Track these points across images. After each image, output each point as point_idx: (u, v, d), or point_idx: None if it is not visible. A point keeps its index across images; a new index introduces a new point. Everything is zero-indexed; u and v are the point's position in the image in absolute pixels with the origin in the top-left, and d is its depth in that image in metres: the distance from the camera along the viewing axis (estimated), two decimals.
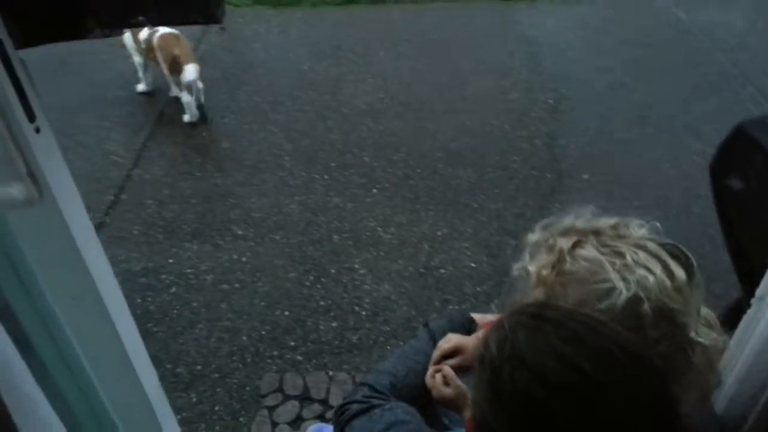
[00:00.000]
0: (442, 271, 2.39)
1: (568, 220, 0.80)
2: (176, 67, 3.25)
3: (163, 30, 3.30)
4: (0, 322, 0.72)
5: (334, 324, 2.10)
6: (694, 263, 0.73)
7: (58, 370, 1.00)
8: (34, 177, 0.73)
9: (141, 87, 3.64)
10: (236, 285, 2.27)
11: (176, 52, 3.26)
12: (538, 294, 0.75)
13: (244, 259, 2.45)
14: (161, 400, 1.04)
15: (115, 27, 0.74)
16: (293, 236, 2.64)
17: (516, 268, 0.82)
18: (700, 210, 2.59)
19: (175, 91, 3.43)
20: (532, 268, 0.77)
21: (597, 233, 0.75)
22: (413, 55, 4.01)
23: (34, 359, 0.96)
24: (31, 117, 0.71)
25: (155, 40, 3.29)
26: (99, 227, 2.72)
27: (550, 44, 4.09)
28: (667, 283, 0.69)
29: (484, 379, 0.60)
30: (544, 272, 0.74)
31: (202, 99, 3.39)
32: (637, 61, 3.84)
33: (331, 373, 1.93)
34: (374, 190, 2.92)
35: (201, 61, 3.51)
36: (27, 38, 0.70)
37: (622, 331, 0.59)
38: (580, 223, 0.79)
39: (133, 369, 0.96)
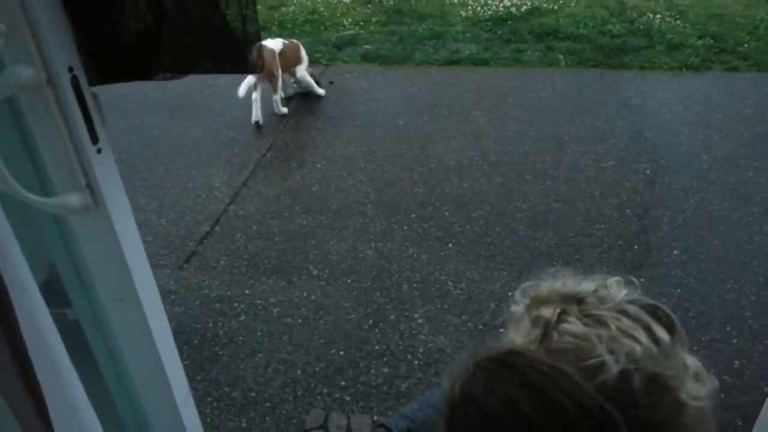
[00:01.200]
0: (503, 330, 2.32)
1: (548, 286, 0.80)
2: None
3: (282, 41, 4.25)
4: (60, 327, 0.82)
5: (386, 369, 2.11)
6: (675, 319, 0.70)
7: (108, 372, 1.10)
8: (91, 189, 0.84)
9: (255, 116, 4.11)
10: (299, 320, 2.36)
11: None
12: None
13: (312, 297, 2.54)
14: (189, 407, 1.11)
15: (179, 74, 0.86)
16: (364, 281, 2.71)
17: (504, 341, 0.82)
18: None
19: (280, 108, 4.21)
20: (518, 341, 0.77)
21: (580, 301, 0.74)
22: (510, 117, 4.04)
23: (89, 362, 1.08)
24: (94, 140, 0.83)
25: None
26: (192, 255, 2.96)
27: (654, 114, 3.95)
28: (654, 349, 0.66)
29: (442, 417, 0.61)
30: (532, 347, 0.74)
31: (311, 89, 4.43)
32: (749, 137, 3.60)
33: (375, 417, 1.93)
34: (450, 245, 2.94)
35: (310, 109, 3.77)
36: (102, 76, 0.82)
37: (586, 386, 0.58)
38: (561, 289, 0.78)
39: (165, 374, 1.05)
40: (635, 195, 3.17)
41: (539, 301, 0.77)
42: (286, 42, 4.30)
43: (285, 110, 4.24)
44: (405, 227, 3.08)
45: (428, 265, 2.81)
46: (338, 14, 6.16)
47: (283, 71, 4.20)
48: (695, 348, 2.20)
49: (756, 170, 3.29)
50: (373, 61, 5.07)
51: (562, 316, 0.73)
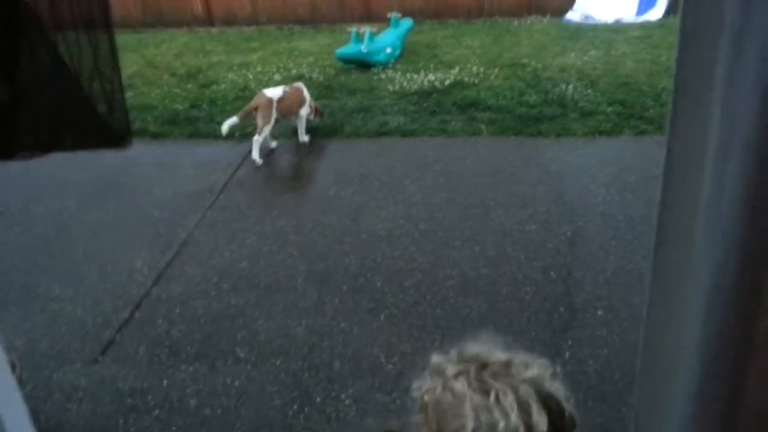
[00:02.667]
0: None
1: (470, 347, 0.81)
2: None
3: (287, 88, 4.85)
4: None
5: None
6: (574, 417, 0.70)
7: None
8: None
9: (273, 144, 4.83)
10: (219, 410, 2.23)
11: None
12: (419, 419, 0.75)
13: (236, 383, 2.43)
14: None
15: (39, 154, 0.82)
16: (294, 361, 2.62)
17: (413, 388, 0.83)
18: None
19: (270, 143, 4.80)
20: (419, 392, 0.78)
21: (484, 365, 0.75)
22: (438, 185, 4.14)
23: None
24: None
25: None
26: (108, 345, 2.80)
27: (572, 178, 4.14)
28: (521, 430, 0.66)
29: None
30: (426, 397, 0.74)
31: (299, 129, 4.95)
32: (659, 197, 3.81)
33: None
34: (382, 316, 2.90)
35: (241, 184, 3.73)
36: None
37: None
38: (477, 352, 0.79)
39: None
40: (558, 257, 3.26)
41: (454, 359, 0.78)
42: (287, 89, 4.79)
43: (259, 160, 4.53)
44: (336, 300, 3.03)
45: (360, 339, 2.75)
46: None
47: (284, 117, 4.72)
48: (624, 410, 2.21)
49: None
50: None
51: (460, 373, 0.74)
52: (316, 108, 5.01)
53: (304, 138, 4.90)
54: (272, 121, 4.60)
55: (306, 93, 4.90)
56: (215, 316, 2.95)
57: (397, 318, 2.88)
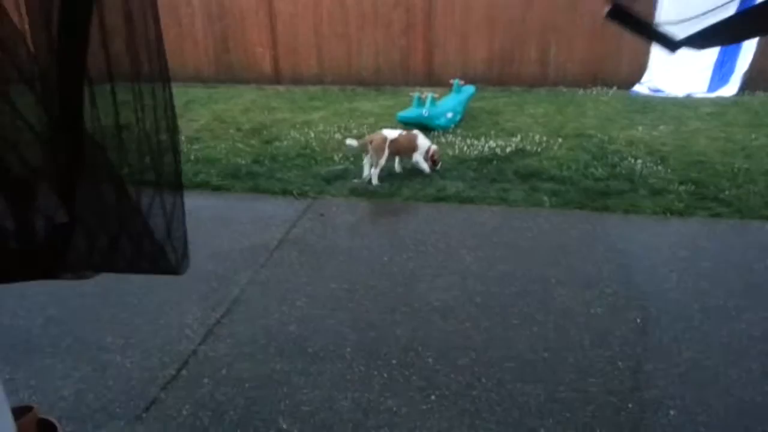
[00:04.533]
0: None
1: None
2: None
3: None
4: None
5: None
6: None
7: None
8: None
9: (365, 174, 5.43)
10: None
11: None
12: None
13: None
14: None
15: (90, 275, 0.78)
16: None
17: None
18: None
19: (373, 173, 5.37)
20: None
21: None
22: (496, 257, 4.00)
23: None
24: None
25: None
26: (153, 402, 2.73)
27: (641, 258, 3.92)
28: None
29: None
30: None
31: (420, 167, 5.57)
32: (738, 288, 3.54)
33: None
34: (433, 396, 2.73)
35: (295, 242, 3.70)
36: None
37: None
38: None
39: None
40: (626, 347, 3.03)
41: None
42: (403, 133, 5.43)
43: (376, 182, 5.29)
44: (385, 374, 2.89)
45: (408, 421, 2.59)
46: (329, 150, 6.36)
47: (395, 155, 5.44)
48: None
49: (749, 323, 3.18)
50: (361, 195, 5.13)
51: None
52: (432, 157, 5.44)
53: (424, 167, 5.52)
54: (384, 156, 5.24)
55: (420, 141, 5.44)
56: (260, 381, 2.86)
57: (449, 400, 2.70)
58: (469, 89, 7.73)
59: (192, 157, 6.17)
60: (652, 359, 2.92)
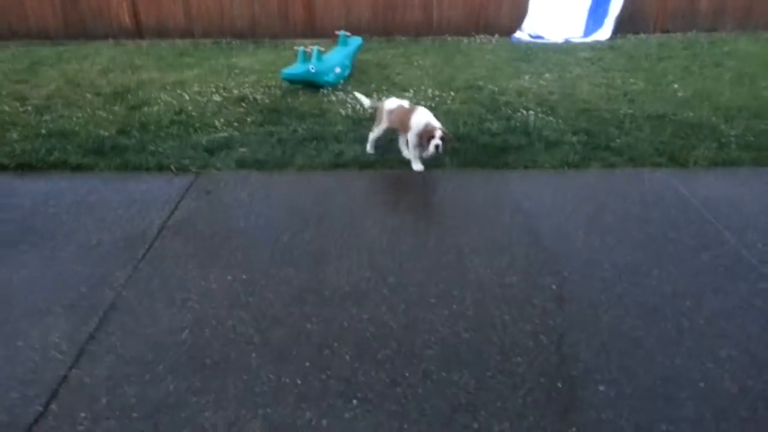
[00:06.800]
0: None
1: None
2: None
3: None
4: None
5: None
6: None
7: None
8: None
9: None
10: None
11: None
12: None
13: None
14: None
15: None
16: None
17: None
18: None
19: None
20: None
21: None
22: (405, 229, 3.75)
23: None
24: None
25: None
26: None
27: (547, 218, 3.86)
28: None
29: None
30: None
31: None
32: (642, 240, 3.58)
33: None
34: (354, 401, 2.46)
35: (179, 228, 3.20)
36: None
37: None
38: None
39: None
40: (547, 317, 2.93)
41: None
42: (405, 106, 4.57)
43: (369, 150, 4.80)
44: (299, 381, 2.56)
45: None
46: (208, 114, 5.71)
47: (393, 127, 4.65)
48: None
49: (658, 279, 3.21)
50: (251, 167, 4.63)
51: None
52: (430, 137, 4.17)
53: (416, 166, 4.50)
54: (380, 125, 4.66)
55: (414, 118, 4.36)
56: (152, 407, 2.42)
57: (373, 403, 2.45)
58: (356, 41, 7.30)
59: (42, 131, 5.27)
60: (573, 329, 2.85)
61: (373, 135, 4.77)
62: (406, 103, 4.64)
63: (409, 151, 4.53)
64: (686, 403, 2.41)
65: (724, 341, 2.73)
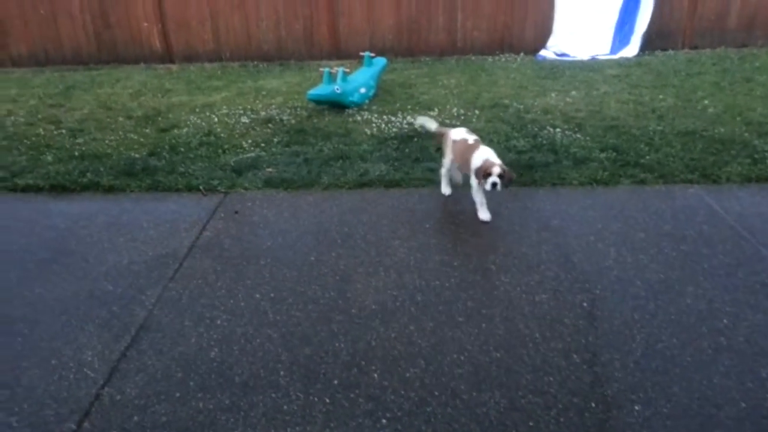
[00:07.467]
0: None
1: None
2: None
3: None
4: None
5: None
6: None
7: None
8: None
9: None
10: None
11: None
12: None
13: None
14: None
15: None
16: None
17: None
18: None
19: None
20: None
21: None
22: (431, 247, 3.74)
23: None
24: None
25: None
26: None
27: (576, 235, 3.80)
28: None
29: None
30: None
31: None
32: (675, 258, 3.50)
33: None
34: (384, 420, 2.43)
35: (208, 247, 3.24)
36: None
37: None
38: None
39: None
40: (579, 336, 2.87)
41: None
42: (469, 141, 4.14)
43: (445, 191, 4.45)
44: (327, 400, 2.55)
45: None
46: (236, 135, 5.81)
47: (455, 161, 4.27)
48: None
49: (692, 296, 3.12)
50: (277, 186, 4.68)
51: None
52: (486, 173, 3.75)
53: (482, 215, 4.04)
54: (448, 156, 4.28)
55: (475, 155, 3.95)
56: (182, 424, 2.43)
57: (402, 422, 2.42)
58: (381, 61, 7.37)
59: (76, 153, 5.41)
60: (606, 348, 2.78)
61: (445, 169, 4.36)
62: (471, 138, 4.17)
63: (473, 193, 4.08)
64: (725, 423, 2.33)
65: (764, 360, 2.64)
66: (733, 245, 3.62)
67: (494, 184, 3.75)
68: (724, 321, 2.93)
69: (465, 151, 4.06)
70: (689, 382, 2.56)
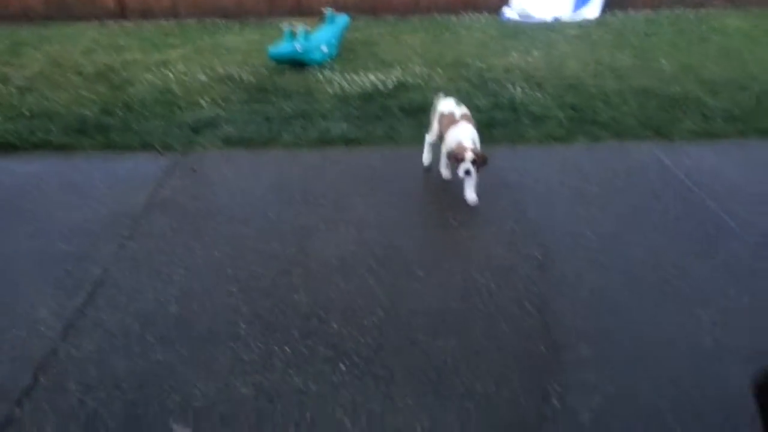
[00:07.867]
0: None
1: None
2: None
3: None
4: None
5: None
6: None
7: None
8: None
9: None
10: None
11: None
12: None
13: None
14: None
15: None
16: None
17: None
18: (721, 398, 2.19)
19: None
20: None
21: None
22: (392, 203, 3.76)
23: None
24: None
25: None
26: (8, 422, 2.24)
27: (533, 191, 3.88)
28: None
29: None
30: None
31: None
32: (626, 211, 3.62)
33: None
34: (342, 366, 2.49)
35: (165, 205, 3.20)
36: None
37: None
38: None
39: None
40: (532, 285, 2.97)
41: None
42: (456, 113, 3.83)
43: (425, 164, 4.17)
44: (287, 348, 2.59)
45: (319, 398, 2.34)
46: (194, 93, 5.67)
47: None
48: None
49: (640, 248, 3.25)
50: (237, 144, 4.62)
51: None
52: (457, 158, 3.55)
53: (469, 195, 3.74)
54: (432, 129, 3.99)
55: (450, 133, 3.70)
56: (141, 377, 2.44)
57: (360, 368, 2.48)
58: (343, 19, 7.24)
59: (26, 111, 5.21)
60: (556, 296, 2.89)
61: (428, 138, 4.08)
62: (458, 110, 3.84)
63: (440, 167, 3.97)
64: (666, 362, 2.46)
65: (706, 306, 2.78)
66: (682, 199, 3.75)
67: (467, 171, 3.53)
68: (670, 270, 3.07)
69: (446, 127, 3.80)
70: (635, 326, 2.68)
